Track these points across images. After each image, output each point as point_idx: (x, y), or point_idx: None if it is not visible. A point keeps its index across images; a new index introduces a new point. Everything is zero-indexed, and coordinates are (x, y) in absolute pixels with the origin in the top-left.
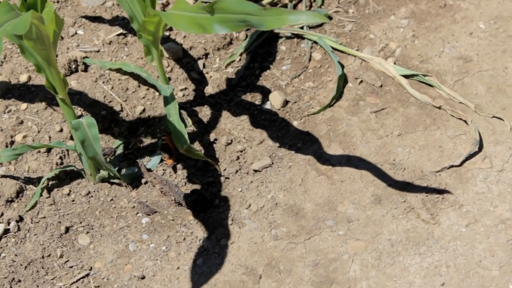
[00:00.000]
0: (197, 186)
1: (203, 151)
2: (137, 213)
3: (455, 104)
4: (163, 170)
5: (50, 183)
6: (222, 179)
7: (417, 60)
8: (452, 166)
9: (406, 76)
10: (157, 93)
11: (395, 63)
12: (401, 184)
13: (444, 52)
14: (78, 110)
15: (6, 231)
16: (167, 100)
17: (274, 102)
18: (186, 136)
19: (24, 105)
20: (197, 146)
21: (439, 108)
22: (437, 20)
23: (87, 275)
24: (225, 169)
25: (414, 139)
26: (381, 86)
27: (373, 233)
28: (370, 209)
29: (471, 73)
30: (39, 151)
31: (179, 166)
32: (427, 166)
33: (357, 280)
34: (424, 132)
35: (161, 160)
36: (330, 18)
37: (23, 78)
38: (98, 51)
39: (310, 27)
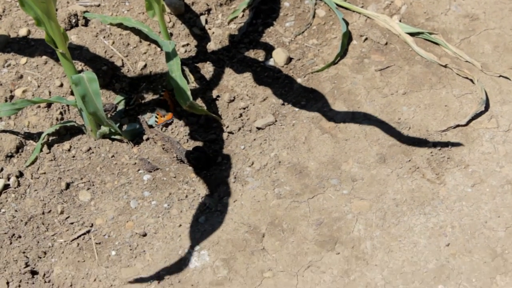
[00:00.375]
0: (199, 143)
1: (205, 108)
2: (139, 170)
3: (461, 63)
4: (165, 126)
5: (50, 138)
6: (225, 136)
7: (423, 18)
8: (458, 126)
9: (411, 34)
10: (158, 49)
11: (400, 21)
12: (406, 143)
13: (450, 10)
14: (79, 65)
15: (6, 186)
16: (169, 56)
17: (278, 59)
18: (189, 92)
19: (23, 59)
20: (199, 103)
21: (445, 66)
22: None
23: (88, 231)
24: (227, 127)
25: (420, 98)
26: (386, 44)
27: (377, 192)
28: (375, 168)
29: (478, 31)
30: (39, 106)
31: (180, 123)
32: (432, 125)
33: (361, 239)
34: (429, 91)
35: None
36: None
37: (22, 32)
38: (99, 5)
39: None
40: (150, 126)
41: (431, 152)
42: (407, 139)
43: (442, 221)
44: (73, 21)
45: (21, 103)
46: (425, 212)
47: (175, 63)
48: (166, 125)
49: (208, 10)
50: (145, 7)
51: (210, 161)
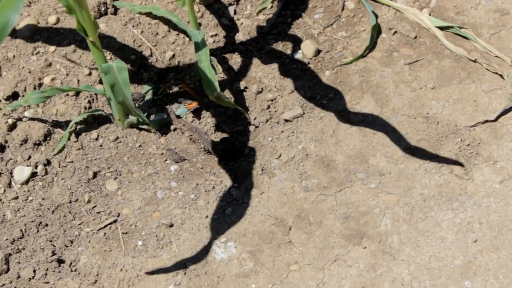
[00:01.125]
0: (227, 135)
1: (233, 99)
2: (166, 160)
3: (490, 58)
4: (192, 117)
5: (78, 127)
6: (252, 128)
7: (453, 12)
8: (486, 121)
9: (441, 28)
10: (187, 39)
11: (430, 14)
12: (434, 138)
13: (480, 4)
14: (107, 54)
15: (34, 174)
16: (198, 46)
17: (306, 51)
18: (216, 83)
19: (52, 48)
20: (227, 94)
21: (475, 61)
22: None
23: (115, 221)
24: (255, 118)
25: (449, 93)
26: (415, 37)
27: (405, 187)
28: (403, 163)
29: (508, 26)
30: (68, 95)
31: (208, 113)
32: (461, 121)
33: (388, 234)
34: (458, 86)
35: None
36: None
37: (51, 20)
38: None
39: None
40: (178, 116)
41: (459, 148)
42: (436, 134)
43: (470, 217)
44: (103, 9)
45: (50, 91)
46: (453, 208)
47: (203, 54)
48: (196, 111)
49: (237, 1)
50: None
51: (238, 153)
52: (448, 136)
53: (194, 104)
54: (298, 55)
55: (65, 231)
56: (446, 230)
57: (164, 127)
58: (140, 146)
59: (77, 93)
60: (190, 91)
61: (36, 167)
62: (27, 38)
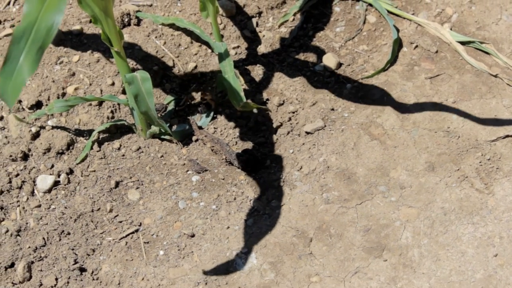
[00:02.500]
0: (248, 146)
1: (255, 111)
2: (187, 171)
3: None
4: (214, 128)
5: (101, 136)
6: (274, 139)
7: (474, 27)
8: (507, 136)
9: (462, 43)
10: (209, 50)
11: (451, 29)
12: (455, 152)
13: (501, 20)
14: (130, 64)
15: (56, 183)
16: (222, 57)
17: (328, 64)
18: (242, 93)
19: (76, 57)
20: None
21: (496, 76)
22: None
23: (137, 230)
24: (276, 130)
25: (469, 107)
26: (436, 51)
27: (425, 200)
28: (423, 176)
29: None
30: (91, 104)
31: (229, 125)
32: (482, 135)
33: (409, 247)
34: (479, 100)
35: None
36: None
37: (75, 30)
38: (151, 5)
39: None
40: (200, 127)
41: (480, 162)
42: (456, 148)
43: (490, 231)
44: (126, 20)
45: (74, 100)
46: (473, 222)
47: (227, 64)
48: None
49: (259, 13)
50: (199, 8)
51: (259, 164)
52: (469, 150)
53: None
54: (320, 68)
55: (87, 239)
56: (466, 244)
57: (186, 138)
58: (162, 156)
59: (100, 103)
60: (210, 101)
61: (59, 175)
62: (51, 47)
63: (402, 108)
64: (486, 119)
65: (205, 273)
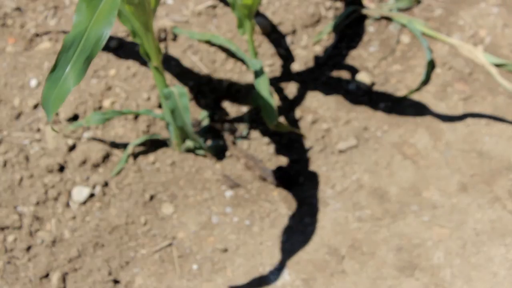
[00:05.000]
0: (282, 163)
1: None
2: (221, 186)
3: None
4: (248, 144)
5: (136, 150)
6: (307, 157)
7: (507, 49)
8: None
9: (495, 65)
10: (244, 67)
11: (484, 51)
12: (487, 173)
13: None
14: (166, 79)
15: (91, 195)
16: (257, 74)
17: (361, 83)
18: (276, 113)
19: (112, 71)
20: (283, 122)
21: None
22: None
23: (170, 244)
24: (310, 148)
25: (502, 129)
26: (469, 73)
27: (458, 221)
28: (456, 197)
29: None
30: (126, 118)
31: (263, 141)
32: None
33: (440, 267)
34: None
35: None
36: (419, 1)
37: (112, 44)
38: (187, 21)
39: (399, 10)
40: (234, 143)
41: None
42: (489, 170)
43: None
44: (162, 35)
45: (111, 113)
46: (506, 243)
47: (263, 82)
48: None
49: (294, 31)
50: (236, 24)
51: (292, 181)
52: (502, 172)
53: None
54: (353, 87)
55: (121, 252)
56: (498, 266)
57: (220, 153)
58: (196, 171)
59: (136, 117)
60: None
61: (94, 188)
62: None
63: (435, 129)
64: None
65: None
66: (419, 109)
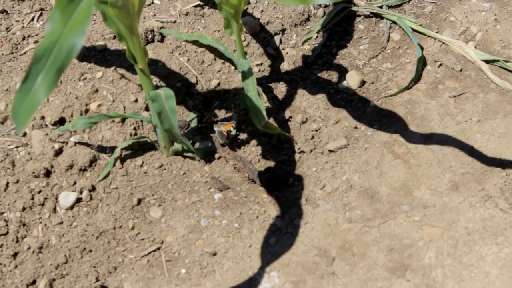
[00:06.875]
0: (271, 164)
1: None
2: (210, 188)
3: None
4: (237, 146)
5: (123, 153)
6: (296, 158)
7: (499, 45)
8: None
9: (486, 61)
10: (232, 67)
11: (475, 47)
12: (479, 171)
13: None
14: (154, 81)
15: (79, 200)
16: (245, 75)
17: (351, 81)
18: (264, 112)
19: (99, 74)
20: (271, 123)
21: None
22: None
23: (158, 248)
24: (299, 148)
25: (494, 126)
26: (461, 70)
27: (449, 220)
28: (447, 196)
29: None
30: (114, 121)
31: (252, 143)
32: (506, 154)
33: (432, 267)
34: (504, 120)
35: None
36: None
37: (98, 46)
38: (175, 22)
39: (389, 7)
40: (223, 145)
41: (504, 182)
42: (480, 168)
43: None
44: (150, 36)
45: (98, 117)
46: (497, 242)
47: (251, 83)
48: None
49: (283, 30)
50: (223, 25)
51: (282, 182)
52: (493, 170)
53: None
54: (343, 86)
55: (109, 257)
56: (490, 265)
57: (208, 155)
58: (185, 174)
59: (123, 120)
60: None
61: (81, 192)
62: (74, 64)
63: (426, 127)
64: (510, 138)
65: None
66: (410, 107)
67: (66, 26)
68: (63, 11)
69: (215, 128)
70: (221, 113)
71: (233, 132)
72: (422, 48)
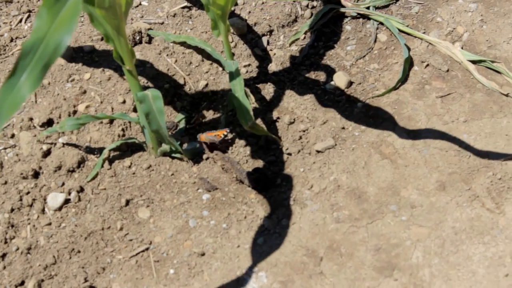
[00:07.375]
0: (259, 165)
1: (265, 129)
2: (198, 189)
3: None
4: (225, 147)
5: (112, 154)
6: (284, 158)
7: (485, 46)
8: None
9: (473, 62)
10: (220, 68)
11: (462, 48)
12: (466, 171)
13: None
14: (141, 82)
15: (67, 201)
16: (232, 76)
17: (338, 82)
18: (251, 113)
19: (87, 75)
20: (259, 124)
21: (507, 95)
22: (506, 6)
23: (147, 249)
24: (287, 149)
25: (480, 126)
26: (447, 70)
27: (436, 220)
28: (434, 196)
29: None
30: (102, 122)
31: (240, 143)
32: (493, 154)
33: (419, 267)
34: (490, 120)
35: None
36: None
37: (86, 48)
38: (162, 23)
39: (376, 8)
40: (211, 145)
41: (491, 181)
42: (467, 167)
43: (501, 251)
44: (137, 38)
45: (85, 118)
46: (484, 242)
47: (238, 83)
48: (225, 141)
49: (270, 31)
50: (210, 26)
51: (270, 183)
52: (480, 169)
53: (222, 132)
54: (331, 86)
55: (97, 258)
56: (477, 264)
57: (196, 156)
58: (173, 174)
59: (111, 121)
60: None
61: (69, 193)
62: (62, 65)
63: (413, 127)
64: (497, 138)
65: None
66: (397, 108)
67: (53, 23)
68: (50, 9)
69: (207, 138)
70: (209, 114)
71: (230, 136)
72: (409, 49)
